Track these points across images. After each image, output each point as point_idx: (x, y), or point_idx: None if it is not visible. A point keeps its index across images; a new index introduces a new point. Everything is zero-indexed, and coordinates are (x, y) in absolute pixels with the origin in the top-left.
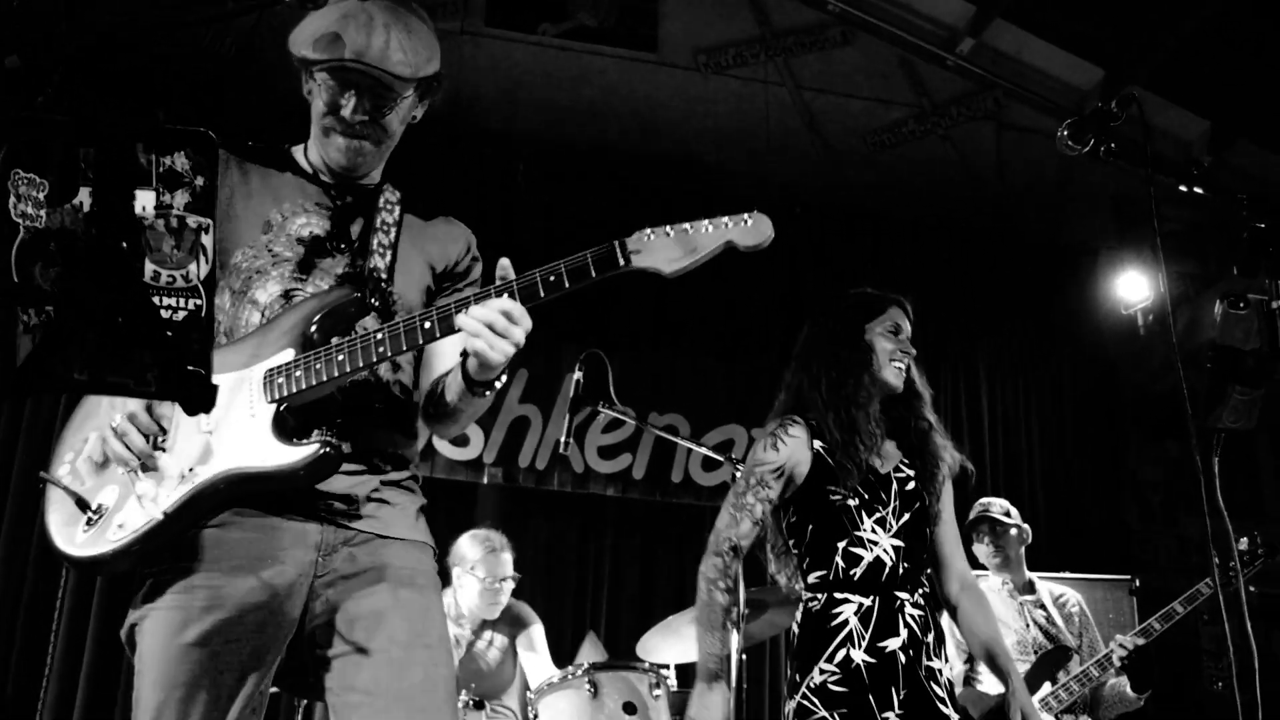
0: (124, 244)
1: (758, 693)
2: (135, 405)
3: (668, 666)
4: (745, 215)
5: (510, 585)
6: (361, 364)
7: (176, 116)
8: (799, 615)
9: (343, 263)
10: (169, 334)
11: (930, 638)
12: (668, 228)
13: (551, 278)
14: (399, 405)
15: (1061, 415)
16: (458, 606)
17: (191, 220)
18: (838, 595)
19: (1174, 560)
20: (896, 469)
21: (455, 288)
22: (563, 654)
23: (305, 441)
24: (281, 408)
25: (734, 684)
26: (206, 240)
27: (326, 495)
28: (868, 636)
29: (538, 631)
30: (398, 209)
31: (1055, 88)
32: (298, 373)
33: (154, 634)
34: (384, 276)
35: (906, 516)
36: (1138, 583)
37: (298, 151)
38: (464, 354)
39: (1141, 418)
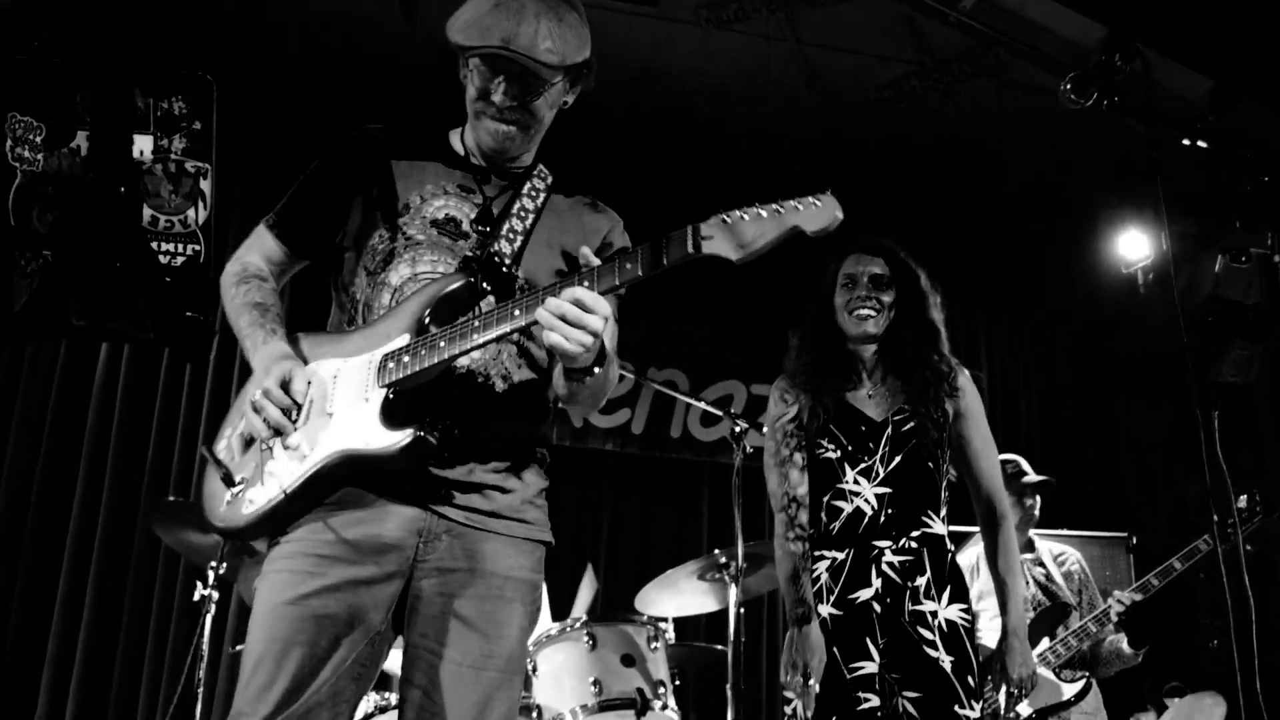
0: (122, 188)
1: (755, 647)
2: (272, 381)
3: (666, 619)
4: (814, 198)
5: None
6: (458, 350)
7: (175, 61)
8: None
9: (474, 245)
10: (167, 279)
11: (921, 580)
12: (738, 211)
13: (627, 265)
14: (517, 389)
15: (1060, 374)
16: None
17: (190, 165)
18: (816, 552)
19: (1171, 520)
20: (897, 412)
21: None
22: (561, 606)
23: (404, 426)
24: (391, 392)
25: (731, 637)
26: (205, 185)
27: (434, 480)
28: (837, 590)
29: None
30: (543, 194)
31: (1057, 44)
32: (405, 358)
33: (264, 592)
34: (508, 261)
35: (897, 460)
36: (1135, 540)
37: (454, 134)
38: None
39: (1140, 377)
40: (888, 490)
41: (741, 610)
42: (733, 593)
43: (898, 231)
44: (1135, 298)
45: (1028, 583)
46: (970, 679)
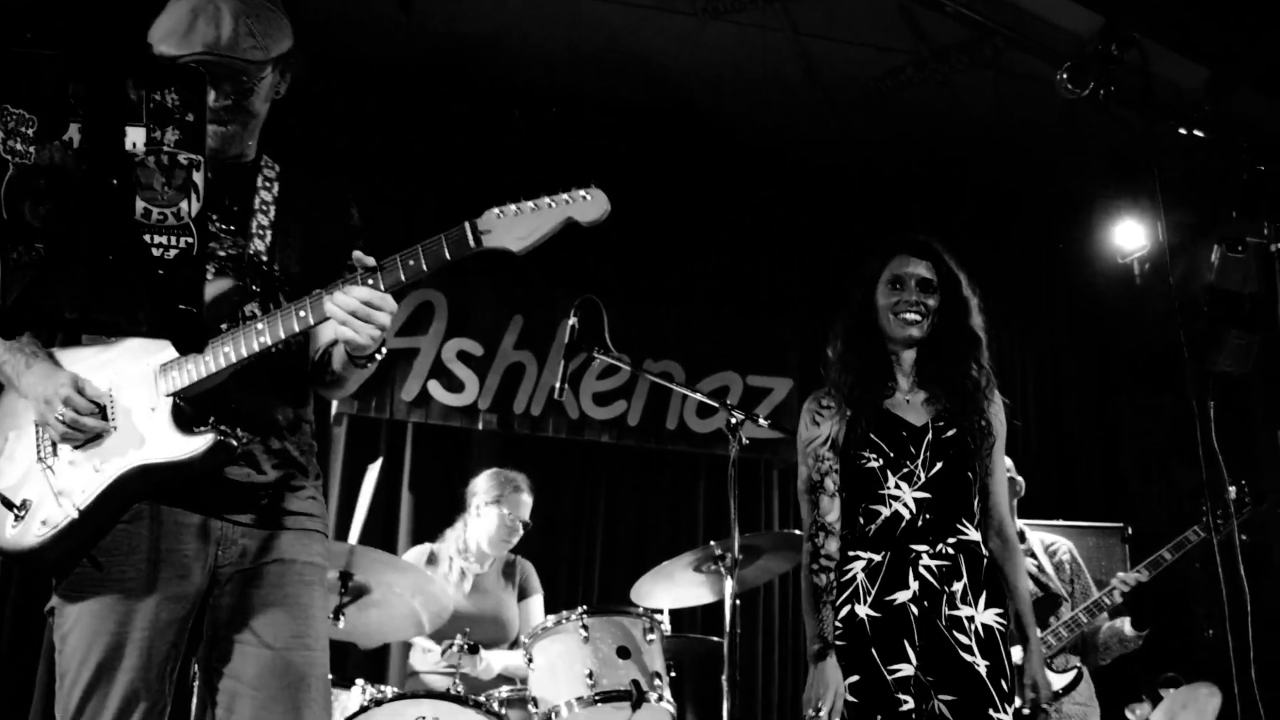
0: (115, 180)
1: (751, 639)
2: (68, 389)
3: (661, 611)
4: (583, 191)
5: (521, 531)
6: (245, 354)
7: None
8: None
9: (225, 245)
10: (160, 272)
11: (958, 585)
12: (513, 206)
13: (410, 261)
14: (289, 377)
15: (1056, 364)
16: (467, 541)
17: (182, 157)
18: (850, 553)
19: (1167, 509)
20: (937, 418)
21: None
22: (559, 600)
23: (201, 431)
24: (177, 399)
25: (727, 628)
26: (197, 177)
27: (224, 487)
28: (874, 591)
29: (539, 601)
30: (276, 184)
31: (1054, 35)
32: (188, 365)
33: (72, 623)
34: (264, 259)
35: (938, 467)
36: (1130, 530)
37: None
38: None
39: (1136, 367)
40: (927, 495)
41: (737, 602)
42: (728, 584)
43: (892, 220)
44: (1132, 287)
45: None
46: (1004, 683)
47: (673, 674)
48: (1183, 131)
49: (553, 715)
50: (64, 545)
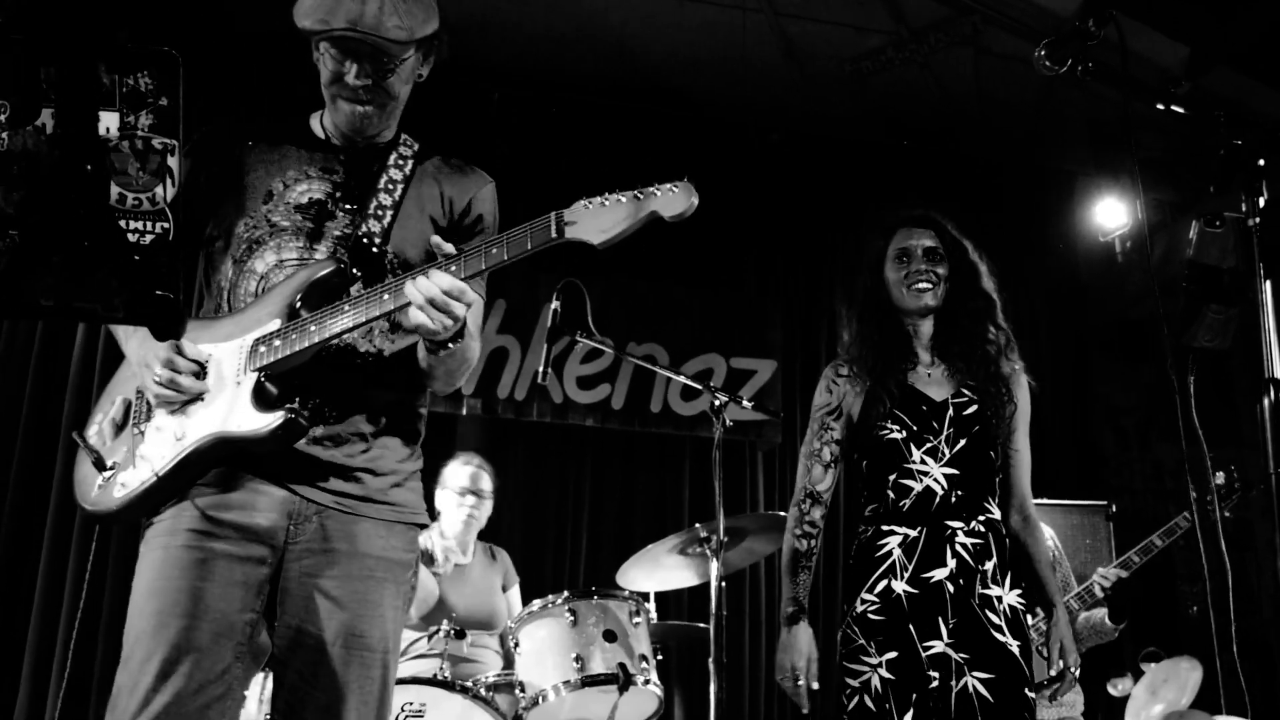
0: (89, 166)
1: (737, 621)
2: (166, 352)
3: (647, 595)
4: (671, 185)
5: (484, 505)
6: (328, 335)
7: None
8: (853, 547)
9: (342, 224)
10: (136, 257)
11: (989, 564)
12: (599, 198)
13: (493, 250)
14: (389, 362)
15: (1036, 340)
16: (444, 531)
17: (156, 141)
18: (884, 527)
19: (1149, 484)
20: (956, 394)
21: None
22: (544, 584)
23: (277, 409)
24: (263, 376)
25: (713, 611)
26: (172, 162)
27: (304, 462)
28: (911, 567)
29: (516, 592)
30: (410, 163)
31: (1033, 12)
32: (277, 342)
33: (143, 572)
34: (377, 240)
35: (962, 443)
36: (1114, 508)
37: (314, 119)
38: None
39: (1115, 343)
40: (955, 472)
41: (723, 584)
42: (714, 567)
43: (874, 200)
44: (1113, 264)
45: None
46: (1030, 664)
47: (659, 657)
48: (1161, 108)
49: (540, 699)
50: (142, 507)
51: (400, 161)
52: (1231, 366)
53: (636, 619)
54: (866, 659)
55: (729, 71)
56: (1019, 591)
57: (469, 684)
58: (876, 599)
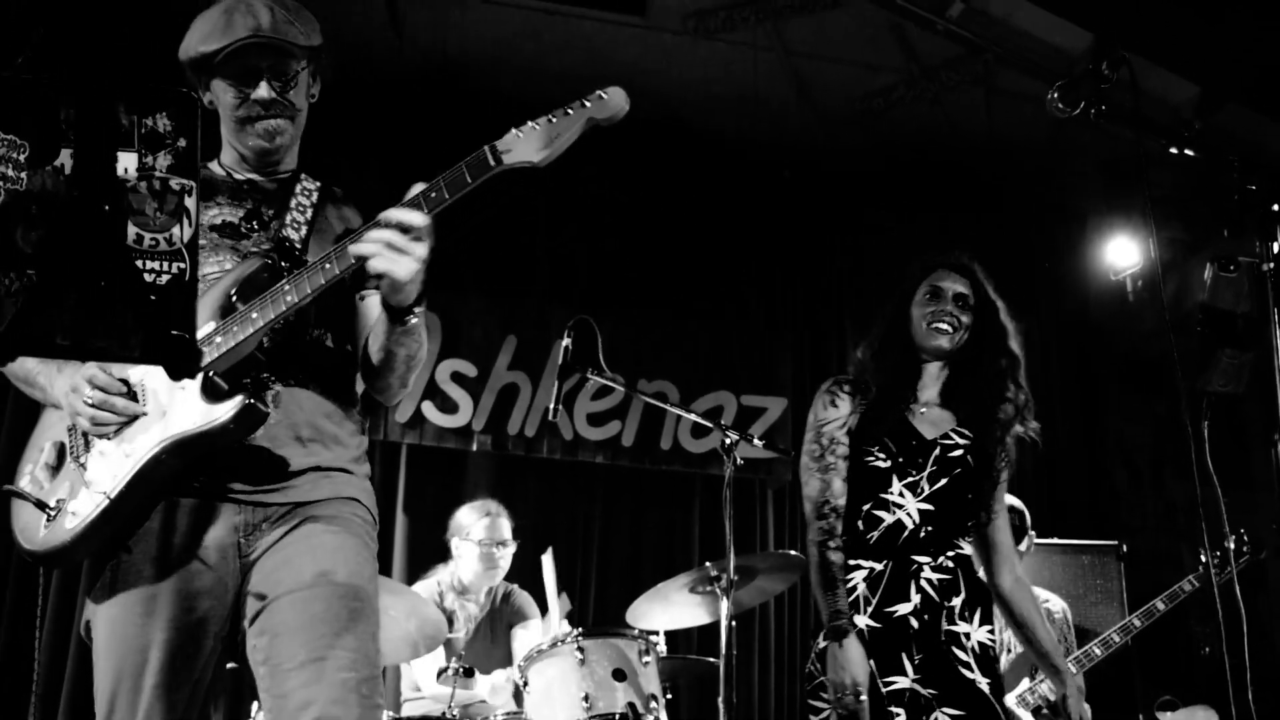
0: (106, 206)
1: (747, 659)
2: (86, 377)
3: (656, 633)
4: (600, 91)
5: (508, 551)
6: (273, 315)
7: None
8: None
9: (259, 241)
10: (153, 298)
11: (957, 600)
12: (530, 122)
13: (432, 194)
14: (329, 365)
15: (1048, 379)
16: (459, 579)
17: (174, 182)
18: (851, 561)
19: (1161, 523)
20: (946, 436)
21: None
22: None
23: (229, 397)
24: (209, 373)
25: (723, 650)
26: (189, 203)
27: (248, 472)
28: (875, 602)
29: (536, 624)
30: (315, 194)
31: (1044, 52)
32: (218, 339)
33: (101, 627)
34: (297, 246)
35: (943, 481)
36: (1125, 548)
37: (213, 164)
38: (377, 278)
39: (1128, 381)
40: (930, 508)
41: (733, 623)
42: (724, 605)
43: (886, 239)
44: (1125, 303)
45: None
46: (1001, 702)
47: (668, 696)
48: (1174, 151)
49: None
50: (97, 537)
51: (306, 191)
52: (1244, 408)
53: (646, 658)
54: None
55: (741, 109)
56: (989, 629)
57: None
58: None
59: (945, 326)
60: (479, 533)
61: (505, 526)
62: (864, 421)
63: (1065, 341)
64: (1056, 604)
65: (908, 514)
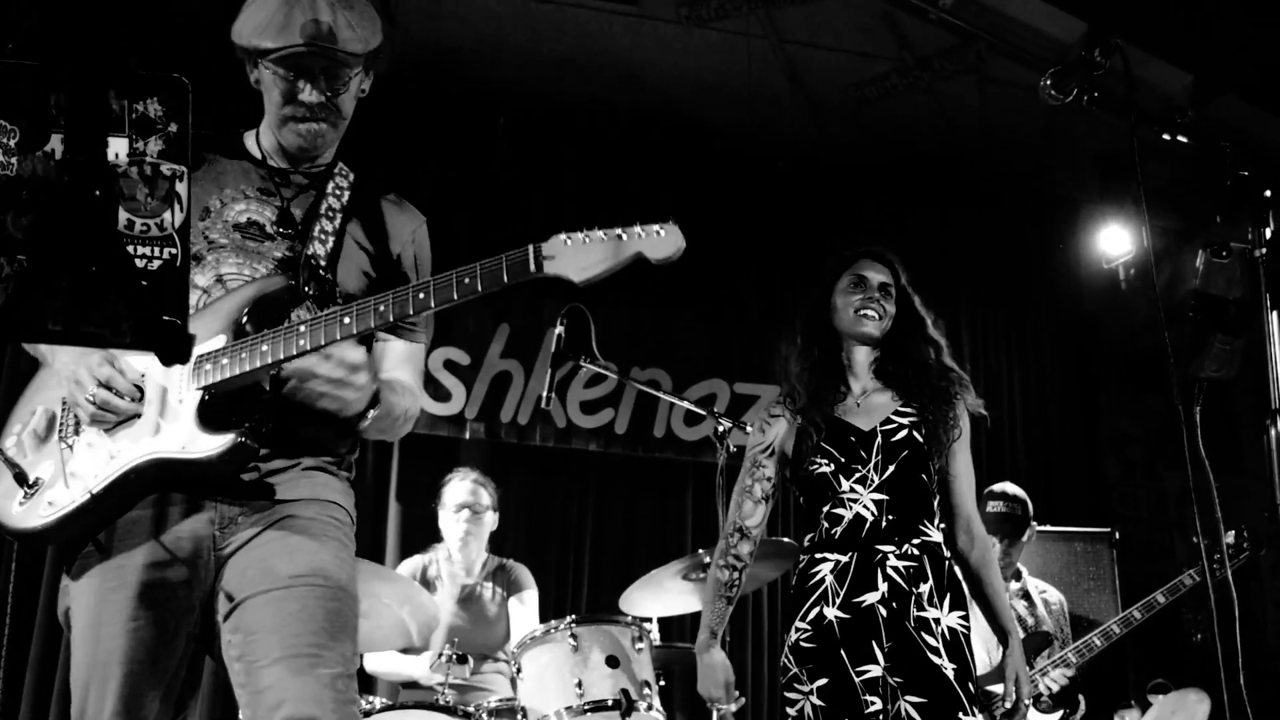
0: (97, 192)
1: (740, 646)
2: (99, 364)
3: (650, 620)
4: (658, 226)
5: (481, 520)
6: (283, 356)
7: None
8: (792, 578)
9: (283, 247)
10: (144, 283)
11: (925, 587)
12: (581, 234)
13: (465, 280)
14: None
15: (1041, 369)
16: (448, 550)
17: (165, 167)
18: (818, 555)
19: (1154, 513)
20: (885, 421)
21: (390, 279)
22: (547, 608)
23: (225, 431)
24: (207, 395)
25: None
26: (180, 188)
27: (230, 482)
28: (842, 592)
29: (531, 596)
30: (347, 193)
31: (1038, 41)
32: (224, 360)
33: (77, 616)
34: (323, 264)
35: (891, 469)
36: (1118, 536)
37: (249, 136)
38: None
39: (1122, 371)
40: (885, 497)
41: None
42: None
43: (879, 227)
44: (1118, 292)
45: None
46: (970, 686)
47: (662, 683)
48: (1166, 138)
49: None
50: (70, 529)
51: (338, 190)
52: (1235, 395)
53: (639, 644)
54: (800, 686)
55: (735, 97)
56: (961, 614)
57: (471, 709)
58: (809, 626)
59: (872, 313)
60: (454, 497)
61: (482, 494)
62: (800, 434)
63: (1060, 330)
64: (1054, 595)
65: (864, 507)
